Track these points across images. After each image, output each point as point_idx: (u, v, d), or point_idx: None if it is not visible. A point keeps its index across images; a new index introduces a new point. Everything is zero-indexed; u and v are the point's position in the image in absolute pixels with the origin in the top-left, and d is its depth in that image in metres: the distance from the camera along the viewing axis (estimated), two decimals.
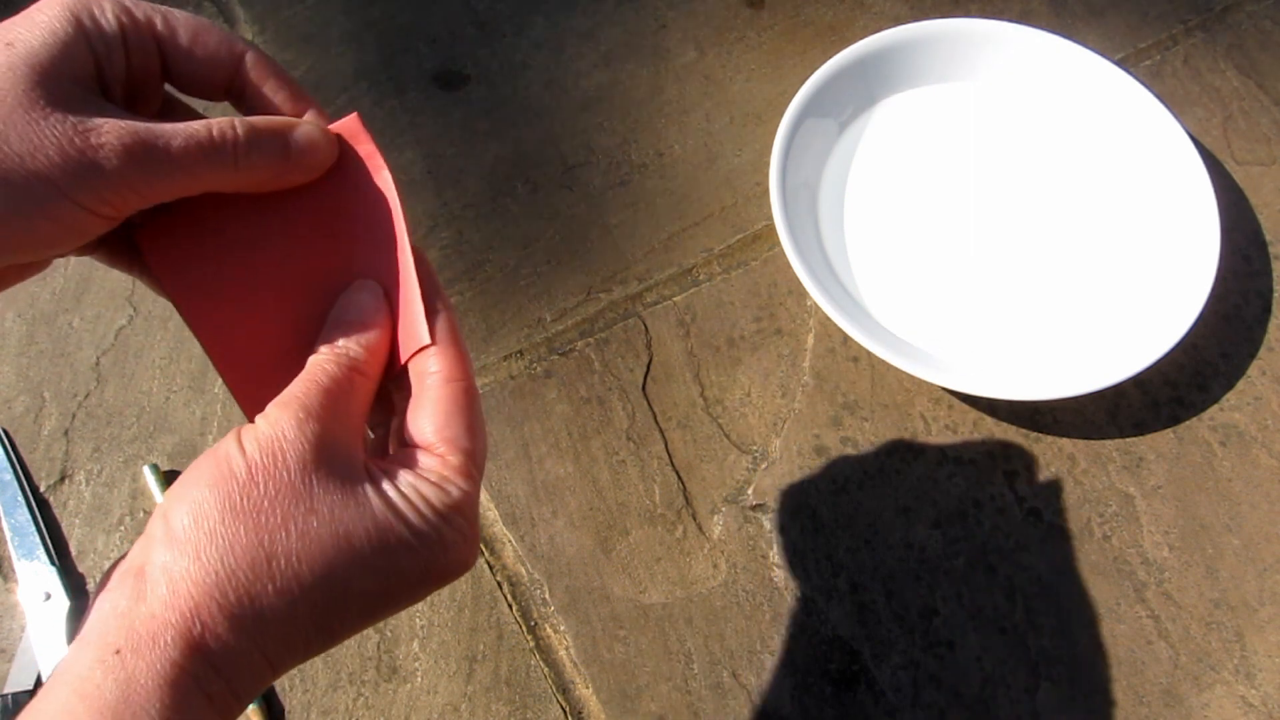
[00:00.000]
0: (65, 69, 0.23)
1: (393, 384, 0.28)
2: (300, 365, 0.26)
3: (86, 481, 0.51)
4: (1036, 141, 0.58)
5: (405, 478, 0.24)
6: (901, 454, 0.51)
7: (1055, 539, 0.49)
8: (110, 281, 0.57)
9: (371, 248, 0.27)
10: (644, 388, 0.53)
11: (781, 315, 0.55)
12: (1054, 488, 0.50)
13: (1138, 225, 0.55)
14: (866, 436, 0.51)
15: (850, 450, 0.51)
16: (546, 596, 0.48)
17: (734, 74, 0.62)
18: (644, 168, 0.60)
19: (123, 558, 0.23)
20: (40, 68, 0.22)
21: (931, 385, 0.52)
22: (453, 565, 0.24)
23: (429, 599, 0.48)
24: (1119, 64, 0.57)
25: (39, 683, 0.45)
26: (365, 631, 0.47)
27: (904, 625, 0.47)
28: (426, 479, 0.24)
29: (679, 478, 0.51)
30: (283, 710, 0.46)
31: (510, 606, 0.48)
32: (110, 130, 0.23)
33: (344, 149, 0.28)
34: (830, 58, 0.57)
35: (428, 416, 0.25)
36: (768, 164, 0.55)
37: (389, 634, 0.48)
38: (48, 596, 0.47)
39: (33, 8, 0.24)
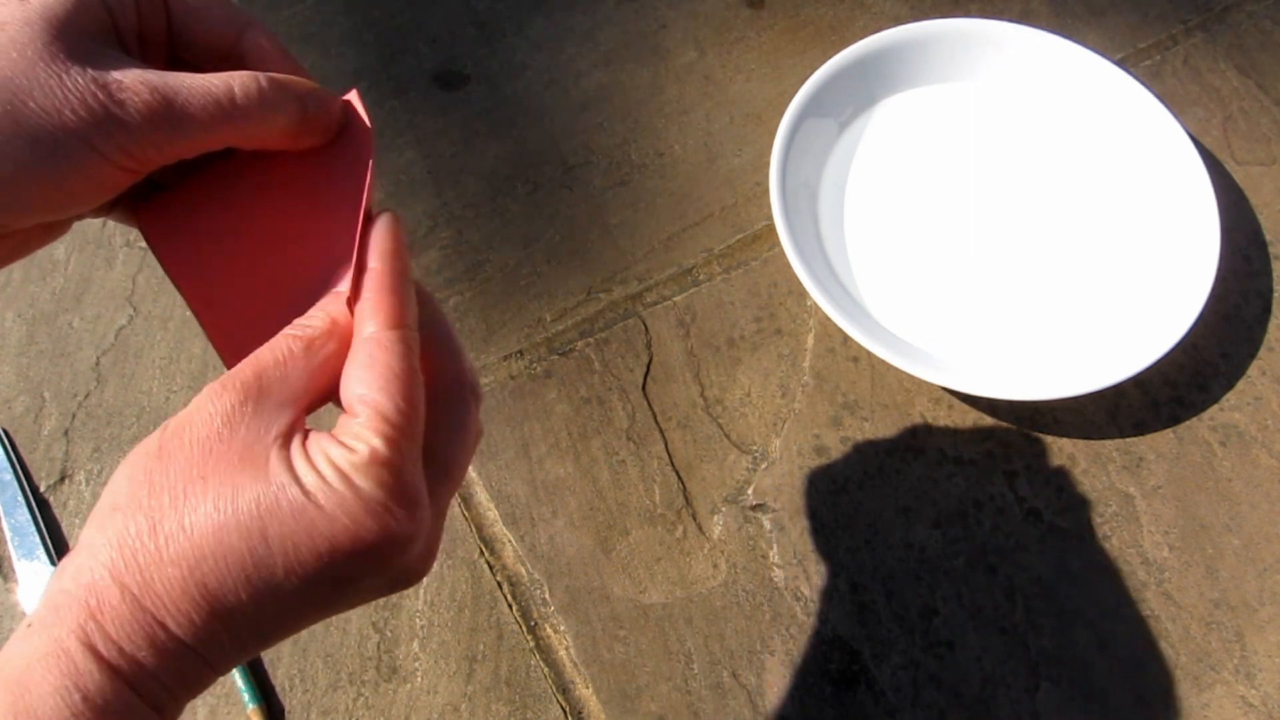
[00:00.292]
0: (81, 23, 0.23)
1: None
2: None
3: (86, 481, 0.51)
4: (1036, 141, 0.58)
5: (315, 441, 0.23)
6: (901, 454, 0.51)
7: (1055, 539, 0.49)
8: (110, 281, 0.57)
9: (347, 220, 0.28)
10: (644, 388, 0.53)
11: (781, 315, 0.55)
12: (1054, 488, 0.50)
13: (1138, 225, 0.55)
14: (866, 436, 0.51)
15: (850, 450, 0.51)
16: (546, 596, 0.48)
17: (734, 74, 0.62)
18: (644, 168, 0.60)
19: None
20: (57, 21, 0.22)
21: (931, 385, 0.52)
22: (369, 533, 0.22)
23: (430, 600, 0.48)
24: (1119, 64, 0.57)
25: None
26: (365, 631, 0.47)
27: (904, 625, 0.47)
28: (334, 439, 0.23)
29: (679, 478, 0.51)
30: (283, 710, 0.46)
31: (510, 606, 0.48)
32: (132, 82, 0.23)
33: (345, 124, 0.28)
34: (830, 58, 0.57)
35: (345, 376, 0.24)
36: (768, 164, 0.55)
37: (389, 634, 0.48)
38: None
39: None
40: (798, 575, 0.48)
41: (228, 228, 0.28)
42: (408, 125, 0.61)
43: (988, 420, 0.52)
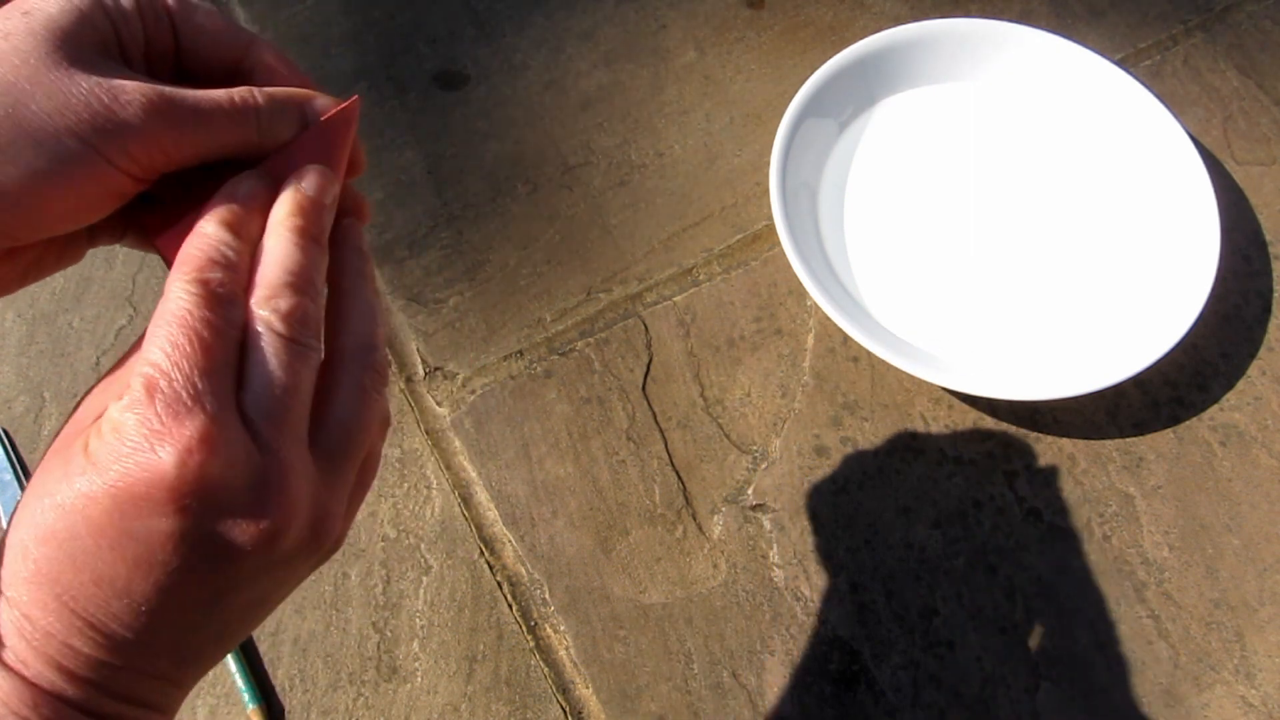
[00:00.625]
0: (85, 35, 0.23)
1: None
2: None
3: None
4: (1036, 142, 0.58)
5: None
6: (901, 454, 0.51)
7: (1055, 539, 0.49)
8: (110, 281, 0.57)
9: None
10: (644, 388, 0.53)
11: (781, 315, 0.55)
12: (1054, 488, 0.50)
13: (1138, 225, 0.55)
14: (866, 436, 0.51)
15: (850, 450, 0.51)
16: (546, 596, 0.48)
17: (734, 74, 0.62)
18: (644, 168, 0.60)
19: None
20: (60, 32, 0.22)
21: (931, 385, 0.52)
22: (153, 468, 0.20)
23: (430, 600, 0.48)
24: (1119, 64, 0.57)
25: None
26: (365, 631, 0.47)
27: (904, 625, 0.47)
28: (122, 409, 0.21)
29: (679, 478, 0.51)
30: (283, 710, 0.46)
31: (510, 606, 0.48)
32: (135, 87, 0.23)
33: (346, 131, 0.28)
34: (830, 58, 0.57)
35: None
36: (768, 164, 0.55)
37: (389, 634, 0.48)
38: None
39: None
40: (798, 575, 0.48)
41: None
42: (408, 125, 0.61)
43: (988, 420, 0.52)
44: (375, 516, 0.50)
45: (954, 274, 0.54)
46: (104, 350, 0.55)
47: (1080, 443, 0.51)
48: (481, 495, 0.51)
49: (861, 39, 0.58)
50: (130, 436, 0.20)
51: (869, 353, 0.53)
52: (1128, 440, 0.51)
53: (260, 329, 0.23)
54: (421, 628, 0.48)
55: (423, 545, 0.50)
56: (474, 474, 0.51)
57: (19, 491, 0.50)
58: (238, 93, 0.25)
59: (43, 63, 0.22)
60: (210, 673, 0.47)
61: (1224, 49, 0.62)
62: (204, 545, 0.21)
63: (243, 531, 0.21)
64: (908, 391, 0.52)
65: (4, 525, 0.50)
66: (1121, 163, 0.57)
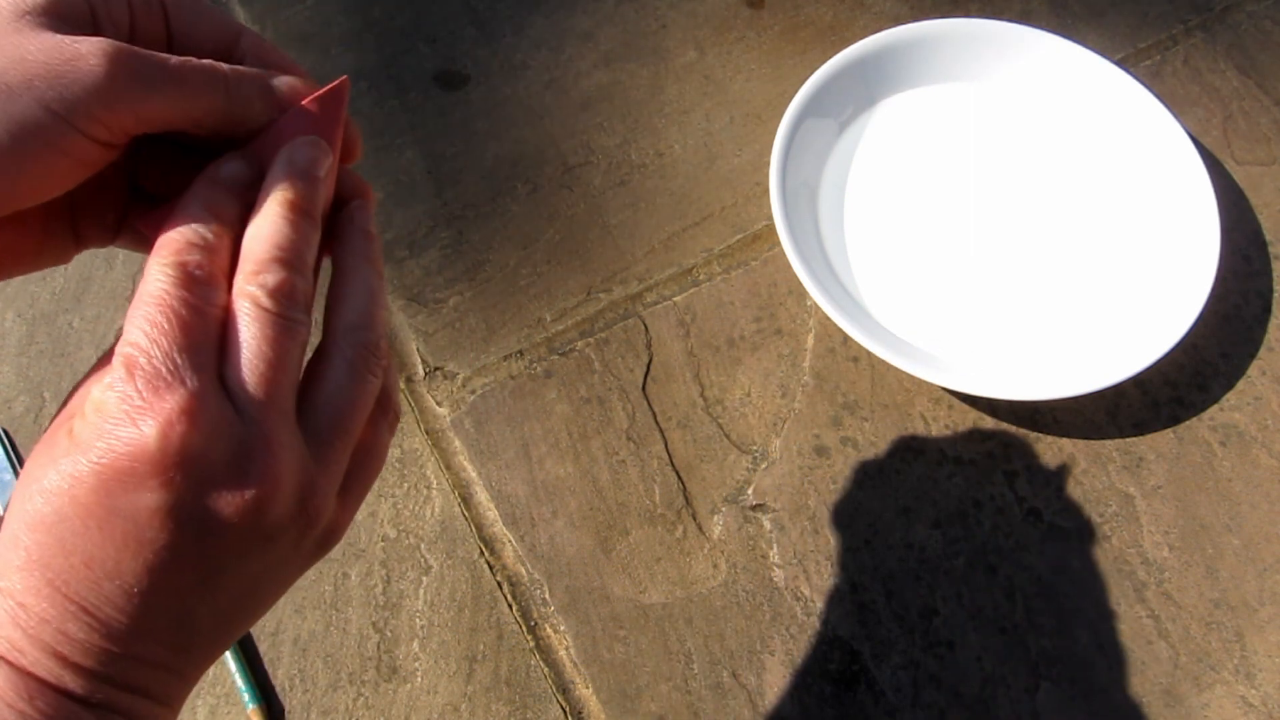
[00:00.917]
0: (53, 7, 0.22)
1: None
2: None
3: None
4: (1037, 142, 0.58)
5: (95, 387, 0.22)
6: (901, 454, 0.51)
7: (1055, 539, 0.49)
8: (110, 281, 0.57)
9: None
10: (644, 388, 0.53)
11: (781, 315, 0.55)
12: (1054, 488, 0.50)
13: (1138, 225, 0.55)
14: (866, 436, 0.51)
15: (850, 450, 0.51)
16: (546, 596, 0.48)
17: (734, 74, 0.62)
18: (644, 168, 0.60)
19: None
20: (28, 4, 0.22)
21: (931, 385, 0.52)
22: (134, 442, 0.20)
23: (430, 600, 0.48)
24: (1119, 64, 0.57)
25: None
26: (365, 631, 0.47)
27: (904, 625, 0.47)
28: (105, 389, 0.21)
29: (679, 478, 0.51)
30: (283, 710, 0.46)
31: (510, 606, 0.48)
32: (97, 42, 0.22)
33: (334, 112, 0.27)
34: (830, 58, 0.57)
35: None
36: (768, 164, 0.55)
37: (389, 634, 0.48)
38: None
39: None
40: (798, 575, 0.48)
41: None
42: (408, 125, 0.61)
43: (988, 420, 0.52)
44: (375, 516, 0.50)
45: (954, 274, 0.54)
46: (104, 350, 0.55)
47: (1080, 443, 0.51)
48: (481, 495, 0.51)
49: (861, 39, 0.58)
50: (112, 414, 0.20)
51: (869, 353, 0.53)
52: (1128, 440, 0.51)
53: (245, 304, 0.23)
54: (421, 628, 0.48)
55: (423, 545, 0.50)
56: (474, 474, 0.51)
57: None
58: (204, 59, 0.24)
59: (5, 26, 0.21)
60: (210, 672, 0.47)
61: (1224, 49, 0.62)
62: (190, 519, 0.21)
63: (227, 503, 0.21)
64: (908, 391, 0.52)
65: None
66: (1121, 163, 0.57)
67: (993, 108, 0.59)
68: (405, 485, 0.51)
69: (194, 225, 0.23)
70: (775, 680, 0.46)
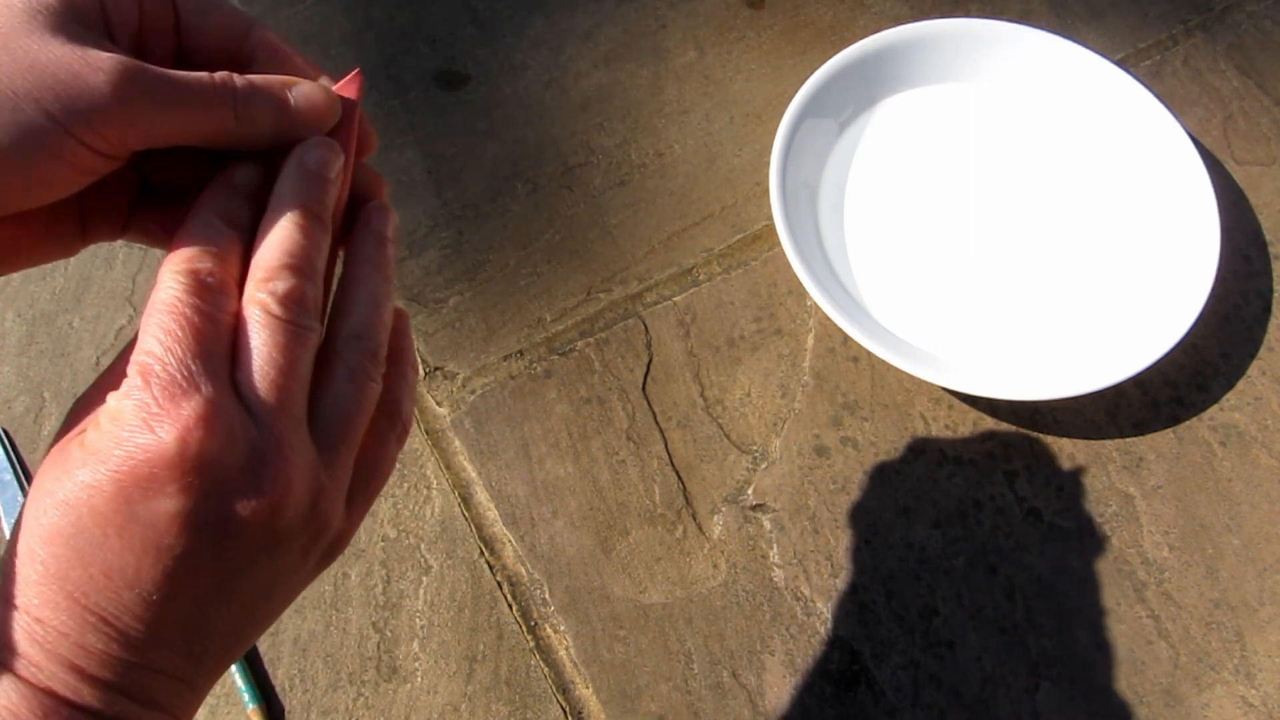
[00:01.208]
0: (68, 12, 0.22)
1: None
2: None
3: None
4: (1036, 142, 0.58)
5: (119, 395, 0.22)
6: (901, 454, 0.51)
7: (1055, 539, 0.49)
8: (110, 281, 0.57)
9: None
10: (644, 388, 0.53)
11: (781, 315, 0.55)
12: (1054, 488, 0.50)
13: (1138, 225, 0.55)
14: (866, 436, 0.51)
15: (850, 450, 0.51)
16: (546, 596, 0.48)
17: (734, 74, 0.62)
18: (644, 168, 0.60)
19: None
20: (40, 8, 0.22)
21: (931, 385, 0.52)
22: (151, 448, 0.20)
23: (430, 600, 0.48)
24: (1119, 64, 0.57)
25: None
26: (365, 631, 0.47)
27: (904, 625, 0.47)
28: (121, 399, 0.21)
29: (679, 478, 0.51)
30: (283, 710, 0.46)
31: (510, 606, 0.48)
32: (108, 58, 0.22)
33: (348, 110, 0.27)
34: (830, 58, 0.57)
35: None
36: (768, 164, 0.55)
37: (389, 634, 0.48)
38: None
39: None
40: (798, 575, 0.48)
41: None
42: (408, 125, 0.61)
43: (988, 420, 0.52)
44: (375, 516, 0.50)
45: (954, 274, 0.54)
46: (104, 350, 0.55)
47: (1080, 443, 0.51)
48: (481, 495, 0.51)
49: (861, 39, 0.58)
50: (129, 421, 0.21)
51: (869, 353, 0.53)
52: (1128, 440, 0.51)
53: (256, 311, 0.23)
54: (421, 628, 0.48)
55: (423, 545, 0.50)
56: (474, 474, 0.51)
57: (19, 492, 0.50)
58: (218, 74, 0.24)
59: (15, 29, 0.21)
60: None
61: (1224, 49, 0.62)
62: (208, 523, 0.21)
63: (244, 507, 0.21)
64: (908, 391, 0.52)
65: (4, 528, 0.50)
66: (1121, 163, 0.57)
67: (993, 108, 0.59)
68: (405, 485, 0.51)
69: (206, 232, 0.23)
70: (775, 680, 0.46)
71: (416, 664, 0.47)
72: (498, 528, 0.50)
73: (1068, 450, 0.51)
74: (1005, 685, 0.46)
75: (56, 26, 0.22)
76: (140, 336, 0.22)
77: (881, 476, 0.50)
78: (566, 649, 0.47)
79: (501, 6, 0.65)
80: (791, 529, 0.49)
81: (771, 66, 0.63)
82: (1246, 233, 0.56)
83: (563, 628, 0.48)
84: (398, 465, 0.52)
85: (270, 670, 0.47)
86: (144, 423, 0.20)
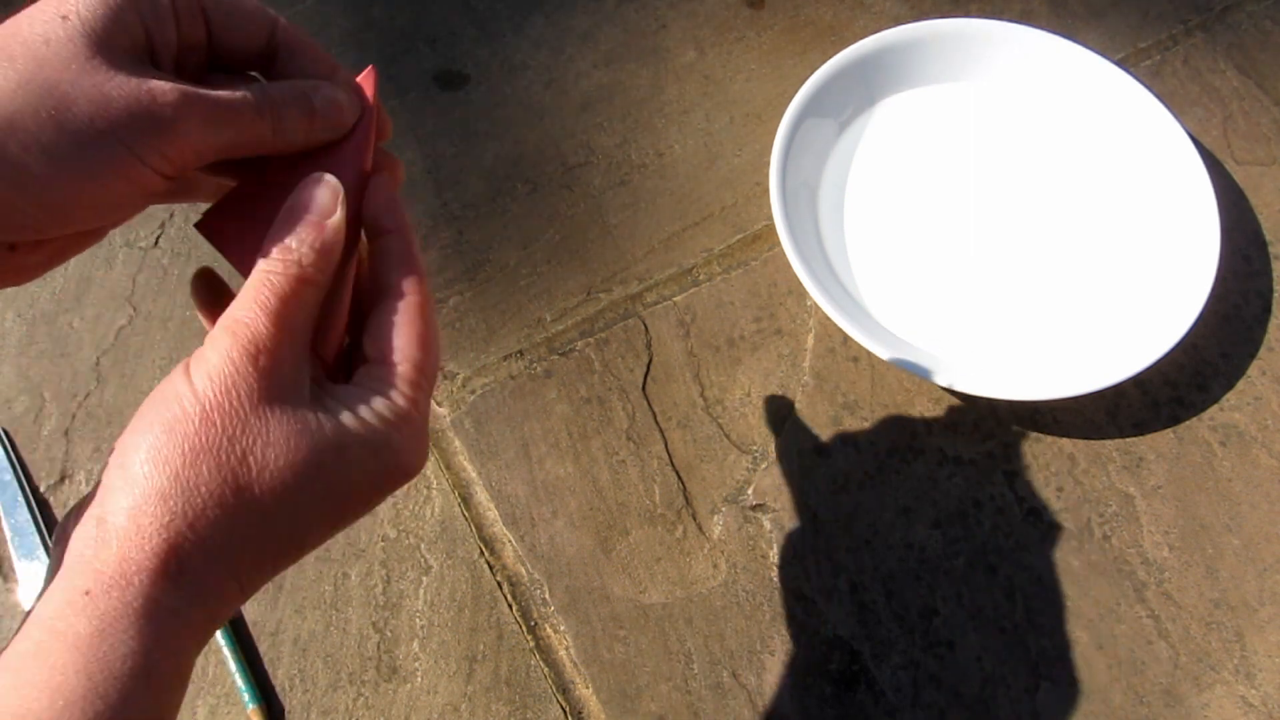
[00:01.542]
0: (119, 39, 0.24)
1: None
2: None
3: (87, 481, 0.51)
4: (1036, 141, 0.58)
5: (355, 393, 0.26)
6: (901, 454, 0.51)
7: (1055, 539, 0.49)
8: (110, 281, 0.57)
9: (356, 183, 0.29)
10: (644, 388, 0.53)
11: (781, 315, 0.55)
12: (1054, 488, 0.50)
13: (1138, 225, 0.55)
14: (866, 436, 0.51)
15: (850, 450, 0.51)
16: (546, 596, 0.48)
17: (734, 74, 0.62)
18: (644, 168, 0.60)
19: (77, 510, 0.24)
20: (97, 38, 0.23)
21: (931, 385, 0.52)
22: (403, 470, 0.26)
23: (430, 600, 0.48)
24: (1119, 64, 0.57)
25: None
26: (365, 631, 0.48)
27: (904, 625, 0.47)
28: (376, 392, 0.26)
29: (679, 478, 0.51)
30: (283, 710, 0.46)
31: (510, 606, 0.48)
32: (170, 88, 0.24)
33: (365, 104, 0.29)
34: (830, 58, 0.57)
35: (380, 330, 0.27)
36: (768, 164, 0.55)
37: (389, 634, 0.48)
38: None
39: None
40: (798, 575, 0.48)
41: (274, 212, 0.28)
42: (408, 125, 0.61)
43: (988, 420, 0.52)
44: (375, 516, 0.50)
45: (954, 274, 0.54)
46: (104, 350, 0.55)
47: (1080, 443, 0.51)
48: (481, 495, 0.51)
49: (861, 39, 0.58)
50: (405, 436, 0.26)
51: (869, 353, 0.53)
52: (1128, 440, 0.51)
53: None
54: (421, 628, 0.48)
55: (423, 545, 0.50)
56: (474, 474, 0.51)
57: (19, 492, 0.50)
58: (254, 90, 0.26)
59: (83, 67, 0.23)
60: (210, 672, 0.47)
61: (1224, 49, 0.62)
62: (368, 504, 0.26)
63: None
64: (908, 391, 0.52)
65: (4, 528, 0.50)
66: (1121, 163, 0.57)
67: (993, 108, 0.59)
68: (405, 485, 0.51)
69: (418, 264, 0.28)
70: (775, 680, 0.46)
71: (416, 664, 0.47)
72: (498, 528, 0.50)
73: (1068, 450, 0.51)
74: (1005, 685, 0.46)
75: (116, 60, 0.24)
76: (410, 343, 0.27)
77: (881, 476, 0.50)
78: (566, 649, 0.47)
79: (501, 6, 0.65)
80: (791, 529, 0.49)
81: (771, 66, 0.63)
82: (1246, 233, 0.56)
83: (563, 628, 0.48)
84: None
85: (270, 670, 0.47)
86: (405, 448, 0.26)
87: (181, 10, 0.26)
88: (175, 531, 0.22)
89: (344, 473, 0.24)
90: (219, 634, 0.47)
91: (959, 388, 0.48)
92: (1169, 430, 0.51)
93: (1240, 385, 0.52)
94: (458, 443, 0.52)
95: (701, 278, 0.56)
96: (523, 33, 0.64)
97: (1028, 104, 0.59)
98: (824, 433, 0.52)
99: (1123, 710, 0.45)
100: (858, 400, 0.52)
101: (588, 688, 0.46)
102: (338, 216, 0.26)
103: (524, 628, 0.48)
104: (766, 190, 0.57)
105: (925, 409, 0.52)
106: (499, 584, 0.49)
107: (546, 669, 0.47)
